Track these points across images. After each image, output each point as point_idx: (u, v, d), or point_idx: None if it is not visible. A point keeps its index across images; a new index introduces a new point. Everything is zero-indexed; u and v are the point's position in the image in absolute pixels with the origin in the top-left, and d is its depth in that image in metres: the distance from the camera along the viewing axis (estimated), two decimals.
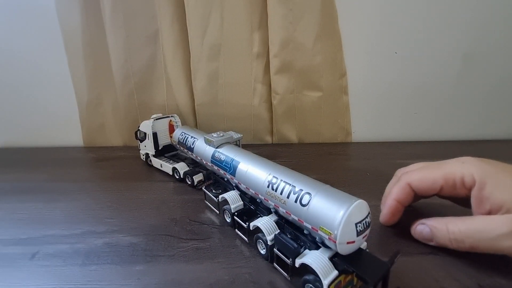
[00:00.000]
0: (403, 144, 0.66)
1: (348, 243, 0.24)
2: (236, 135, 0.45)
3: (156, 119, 0.55)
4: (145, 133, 0.56)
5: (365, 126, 0.69)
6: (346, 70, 0.64)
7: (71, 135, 0.71)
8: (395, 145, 0.66)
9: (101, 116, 0.69)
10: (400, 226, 0.36)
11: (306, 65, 0.61)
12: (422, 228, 0.32)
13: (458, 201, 0.33)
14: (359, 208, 0.24)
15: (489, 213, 0.28)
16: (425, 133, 0.67)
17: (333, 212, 0.24)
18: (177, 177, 0.51)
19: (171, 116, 0.57)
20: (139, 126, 0.57)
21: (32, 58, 0.67)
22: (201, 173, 0.49)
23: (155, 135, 0.55)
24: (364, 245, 0.27)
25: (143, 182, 0.51)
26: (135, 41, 0.62)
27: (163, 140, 0.56)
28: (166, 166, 0.53)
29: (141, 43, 0.62)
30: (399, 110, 0.67)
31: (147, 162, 0.59)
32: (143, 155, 0.59)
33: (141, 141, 0.57)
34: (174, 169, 0.51)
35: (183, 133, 0.50)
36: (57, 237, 0.37)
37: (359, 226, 0.24)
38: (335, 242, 0.24)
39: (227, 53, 0.61)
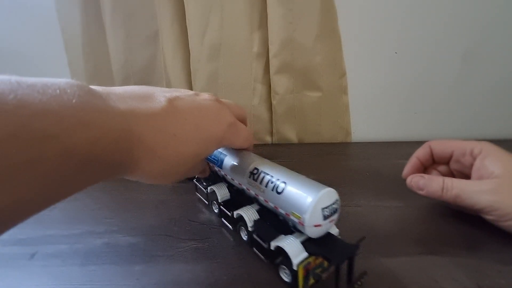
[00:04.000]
0: (403, 144, 0.66)
1: (315, 226, 0.26)
2: None
3: None
4: None
5: (364, 126, 0.69)
6: (346, 70, 0.64)
7: None
8: (395, 145, 0.65)
9: None
10: (399, 227, 0.36)
11: (306, 65, 0.61)
12: (419, 179, 0.37)
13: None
14: (327, 195, 0.26)
15: (481, 178, 0.34)
16: (425, 133, 0.67)
17: (303, 198, 0.26)
18: None
19: None
20: None
21: (32, 58, 0.67)
22: None
23: None
24: (336, 232, 0.29)
25: (142, 182, 0.51)
26: (135, 41, 0.62)
27: None
28: None
29: (141, 43, 0.62)
30: (399, 110, 0.67)
31: None
32: None
33: None
34: None
35: None
36: (56, 237, 0.37)
37: (326, 211, 0.26)
38: (303, 225, 0.26)
39: (227, 53, 0.61)
